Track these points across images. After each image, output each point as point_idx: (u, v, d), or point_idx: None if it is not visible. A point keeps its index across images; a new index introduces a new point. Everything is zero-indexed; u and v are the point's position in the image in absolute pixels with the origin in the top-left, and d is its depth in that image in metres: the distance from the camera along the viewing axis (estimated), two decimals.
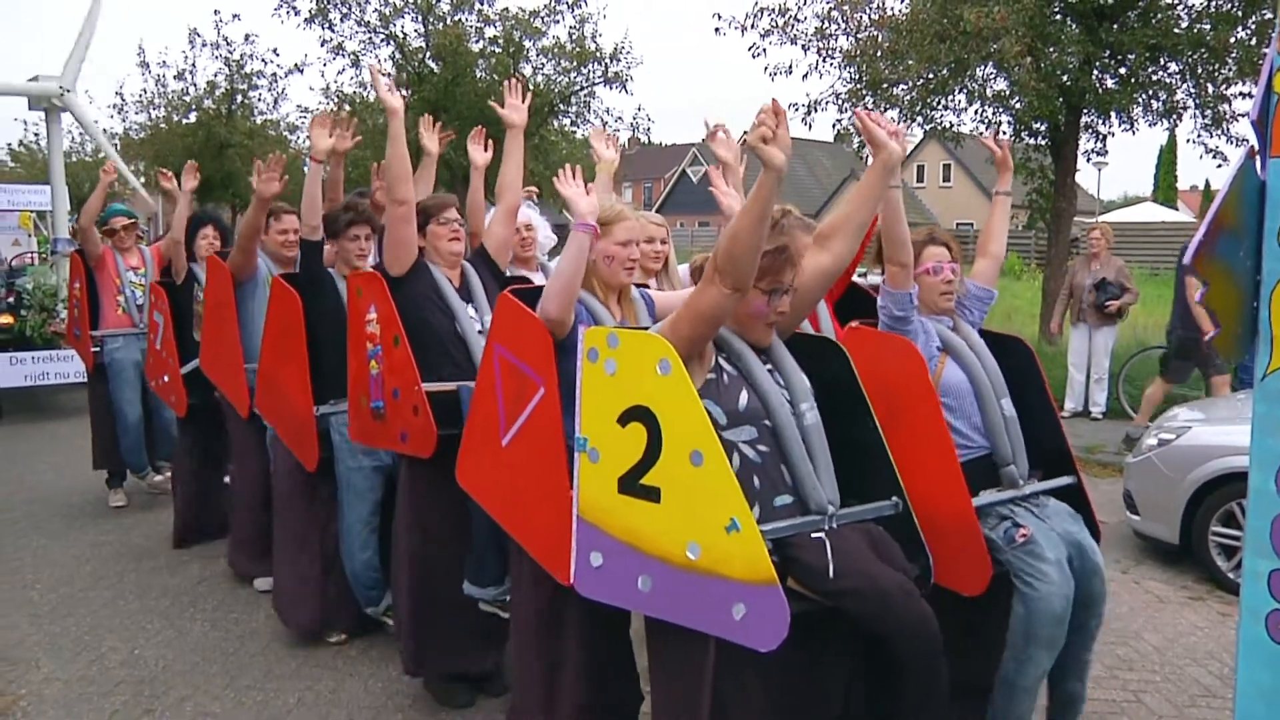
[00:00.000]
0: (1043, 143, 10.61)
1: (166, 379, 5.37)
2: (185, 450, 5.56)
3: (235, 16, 25.43)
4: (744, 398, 2.46)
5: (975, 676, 3.03)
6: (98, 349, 6.20)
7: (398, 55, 18.44)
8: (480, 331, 3.57)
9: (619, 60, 18.67)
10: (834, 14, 10.47)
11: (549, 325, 2.80)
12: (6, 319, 9.17)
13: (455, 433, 3.29)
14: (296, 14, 18.06)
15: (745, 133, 3.46)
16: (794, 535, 2.39)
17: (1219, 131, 10.00)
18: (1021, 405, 3.16)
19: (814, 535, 2.40)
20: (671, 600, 2.32)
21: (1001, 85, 10.14)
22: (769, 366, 2.57)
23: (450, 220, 3.71)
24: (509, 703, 3.18)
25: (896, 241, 2.97)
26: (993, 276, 3.41)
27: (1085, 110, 10.00)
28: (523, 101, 3.77)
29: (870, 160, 3.02)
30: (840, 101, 10.83)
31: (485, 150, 4.16)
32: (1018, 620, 2.89)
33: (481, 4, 18.34)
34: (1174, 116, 10.18)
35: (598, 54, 18.61)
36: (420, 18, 18.30)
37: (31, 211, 13.57)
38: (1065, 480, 3.18)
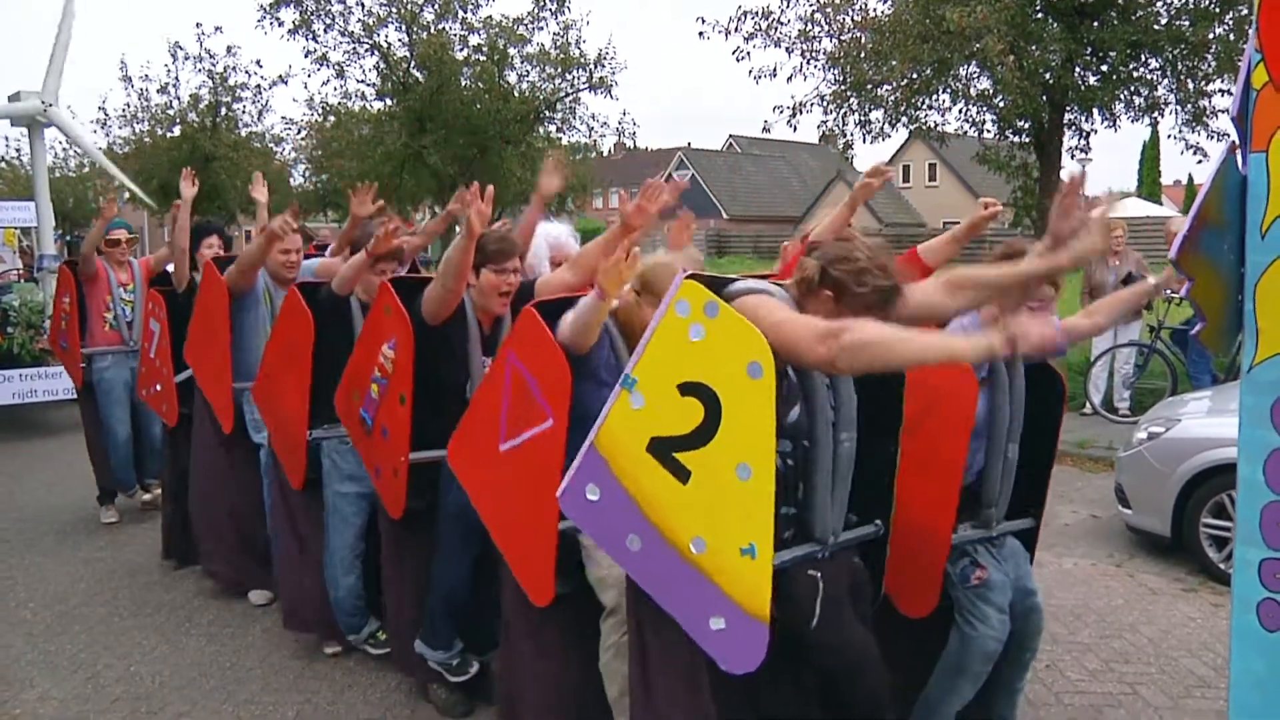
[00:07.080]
0: (1026, 140, 10.67)
1: (159, 388, 5.29)
2: (173, 465, 5.50)
3: (218, 29, 25.48)
4: (795, 412, 2.39)
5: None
6: (85, 365, 6.17)
7: (382, 65, 18.44)
8: None
9: (603, 66, 18.73)
10: (817, 16, 10.53)
11: (566, 347, 2.76)
12: None
13: (424, 505, 3.46)
14: (280, 25, 18.06)
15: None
16: (790, 567, 2.38)
17: (1199, 127, 10.10)
18: (1028, 435, 3.06)
19: (810, 573, 2.41)
20: (653, 573, 2.30)
21: (985, 84, 10.22)
22: (827, 383, 2.46)
23: (507, 271, 3.43)
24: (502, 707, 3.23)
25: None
26: None
27: (1068, 107, 10.07)
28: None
29: (862, 178, 3.10)
30: (825, 103, 10.88)
31: (555, 180, 4.02)
32: (951, 653, 2.99)
33: (465, 12, 18.37)
34: (1155, 112, 10.27)
35: (582, 60, 18.65)
36: (404, 27, 18.32)
37: (15, 228, 13.48)
38: (1025, 522, 3.14)
